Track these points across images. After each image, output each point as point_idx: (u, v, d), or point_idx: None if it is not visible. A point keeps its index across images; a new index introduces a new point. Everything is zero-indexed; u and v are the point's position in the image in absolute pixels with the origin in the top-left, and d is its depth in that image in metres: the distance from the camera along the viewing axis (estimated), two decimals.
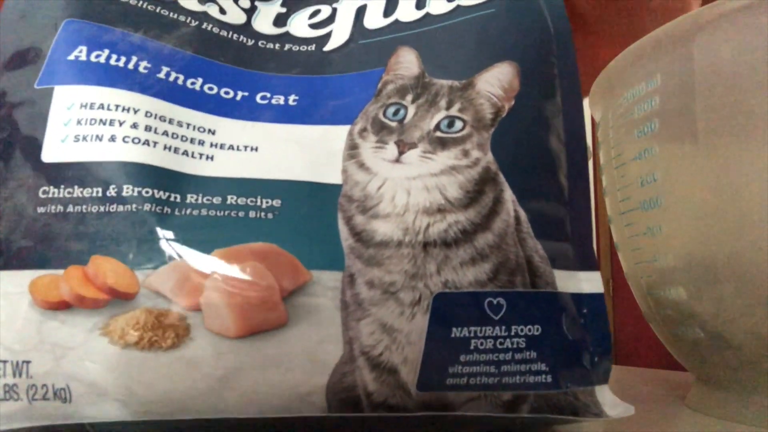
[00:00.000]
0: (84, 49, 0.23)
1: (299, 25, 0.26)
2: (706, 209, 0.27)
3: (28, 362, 0.19)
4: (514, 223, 0.22)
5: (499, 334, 0.20)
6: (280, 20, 0.26)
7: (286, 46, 0.26)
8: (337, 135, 0.23)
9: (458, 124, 0.22)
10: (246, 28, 0.26)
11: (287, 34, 0.26)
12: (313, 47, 0.26)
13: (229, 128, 0.23)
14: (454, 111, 0.22)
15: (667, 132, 0.28)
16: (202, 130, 0.23)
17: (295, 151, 0.23)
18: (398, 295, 0.20)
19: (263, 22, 0.26)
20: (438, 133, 0.22)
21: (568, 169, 0.24)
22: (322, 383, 0.20)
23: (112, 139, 0.21)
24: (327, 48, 0.26)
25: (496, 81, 0.23)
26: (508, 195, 0.22)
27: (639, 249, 0.31)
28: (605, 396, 0.22)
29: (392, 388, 0.20)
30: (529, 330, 0.21)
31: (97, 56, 0.23)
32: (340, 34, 0.26)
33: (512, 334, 0.21)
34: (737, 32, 0.25)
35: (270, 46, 0.26)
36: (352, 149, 0.22)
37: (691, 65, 0.27)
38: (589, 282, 0.23)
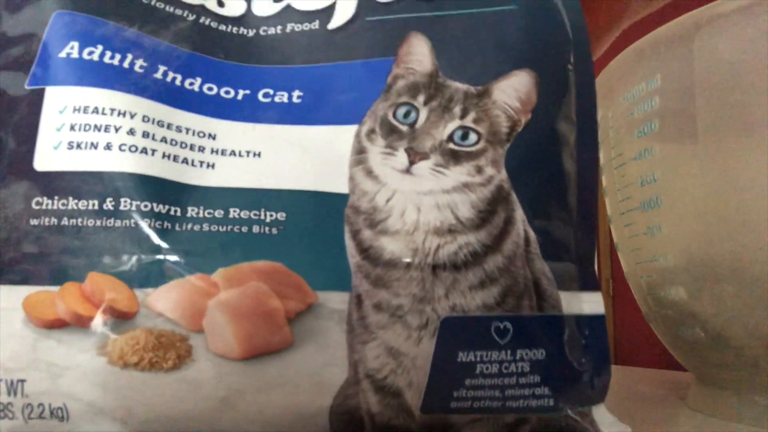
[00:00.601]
0: (76, 45, 0.22)
1: None
2: (706, 209, 0.27)
3: (23, 381, 0.18)
4: (523, 244, 0.21)
5: (504, 359, 0.20)
6: None
7: (288, 27, 0.24)
8: (343, 137, 0.22)
9: (472, 137, 0.21)
10: (245, 18, 0.24)
11: (288, 7, 0.24)
12: (316, 24, 0.24)
13: (230, 132, 0.22)
14: (468, 121, 0.21)
15: (667, 132, 0.28)
16: (201, 135, 0.22)
17: (300, 157, 0.22)
18: (405, 318, 0.20)
19: (263, 2, 0.25)
20: (451, 145, 0.21)
21: (578, 188, 0.23)
22: (326, 405, 0.19)
23: (108, 147, 0.20)
24: (331, 26, 0.24)
25: (513, 91, 0.22)
26: (519, 215, 0.21)
27: (639, 249, 0.31)
28: (602, 415, 0.22)
29: (396, 410, 0.20)
30: (534, 354, 0.20)
31: (90, 53, 0.21)
32: (345, 7, 0.24)
33: (517, 358, 0.20)
34: (737, 32, 0.25)
35: (272, 31, 0.24)
36: (359, 153, 0.21)
37: (691, 65, 0.27)
38: (591, 303, 0.22)
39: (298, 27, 0.24)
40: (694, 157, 0.27)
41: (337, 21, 0.24)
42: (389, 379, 0.20)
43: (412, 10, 0.24)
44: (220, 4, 0.24)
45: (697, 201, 0.27)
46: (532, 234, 0.21)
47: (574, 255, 0.22)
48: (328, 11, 0.24)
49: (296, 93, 0.23)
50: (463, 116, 0.21)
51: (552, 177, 0.22)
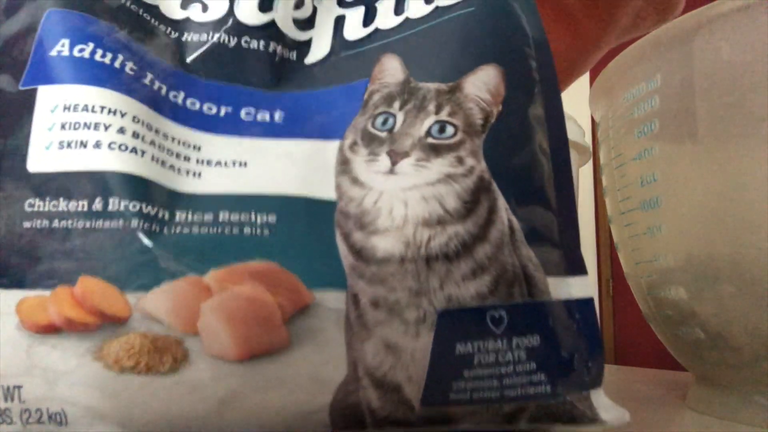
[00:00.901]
0: (66, 42, 0.21)
1: (284, 14, 0.25)
2: (706, 209, 0.27)
3: (19, 387, 0.18)
4: (508, 232, 0.21)
5: (500, 348, 0.20)
6: (264, 4, 0.25)
7: (271, 46, 0.25)
8: (327, 149, 0.22)
9: (450, 130, 0.22)
10: (227, 21, 0.24)
11: (273, 23, 0.25)
12: (294, 56, 0.25)
13: (214, 144, 0.22)
14: (443, 115, 0.22)
15: (667, 132, 0.28)
16: (187, 145, 0.22)
17: (286, 165, 0.22)
18: (403, 313, 0.20)
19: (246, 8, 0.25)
20: (430, 140, 0.21)
21: (554, 175, 0.23)
22: (326, 402, 0.19)
23: (97, 145, 0.20)
24: (308, 61, 0.25)
25: (482, 84, 0.22)
26: (501, 203, 0.22)
27: (639, 249, 0.31)
28: (600, 400, 0.22)
29: (396, 404, 0.20)
30: (529, 341, 0.21)
31: (81, 50, 0.21)
32: (320, 45, 0.25)
33: (513, 346, 0.20)
34: (737, 32, 0.25)
35: (254, 45, 0.24)
36: (343, 164, 0.22)
37: (691, 65, 0.27)
38: (578, 287, 0.22)
39: (279, 49, 0.25)
40: (694, 157, 0.27)
41: (313, 57, 0.25)
42: (389, 375, 0.20)
43: (382, 38, 0.25)
44: (205, 8, 0.25)
45: (697, 201, 0.27)
46: (515, 222, 0.22)
47: (557, 240, 0.23)
48: (305, 47, 0.25)
49: (278, 114, 0.23)
50: (437, 111, 0.22)
51: (528, 165, 0.23)
